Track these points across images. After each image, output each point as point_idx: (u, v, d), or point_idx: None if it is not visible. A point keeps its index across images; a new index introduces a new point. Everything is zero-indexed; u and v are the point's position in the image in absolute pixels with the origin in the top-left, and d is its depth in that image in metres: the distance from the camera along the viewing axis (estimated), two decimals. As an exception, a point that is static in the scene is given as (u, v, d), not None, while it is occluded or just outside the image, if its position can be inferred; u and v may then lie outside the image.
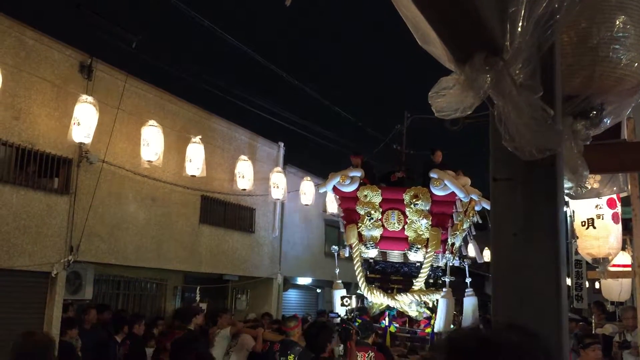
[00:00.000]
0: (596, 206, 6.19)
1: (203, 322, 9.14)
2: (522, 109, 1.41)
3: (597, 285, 15.11)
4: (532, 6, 1.38)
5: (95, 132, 8.53)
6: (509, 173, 1.75)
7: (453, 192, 8.50)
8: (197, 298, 12.13)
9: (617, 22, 2.44)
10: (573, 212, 6.64)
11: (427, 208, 8.75)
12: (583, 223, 6.29)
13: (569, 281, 14.19)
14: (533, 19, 1.39)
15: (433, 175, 8.61)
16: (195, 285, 12.39)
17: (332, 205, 14.60)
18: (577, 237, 6.50)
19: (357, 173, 9.19)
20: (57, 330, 8.44)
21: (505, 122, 1.45)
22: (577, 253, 10.69)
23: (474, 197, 8.85)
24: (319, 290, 17.86)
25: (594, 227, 6.22)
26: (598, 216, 6.22)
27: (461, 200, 8.68)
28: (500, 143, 1.61)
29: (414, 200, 8.74)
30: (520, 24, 1.37)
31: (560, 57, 2.18)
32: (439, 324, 8.49)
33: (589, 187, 5.97)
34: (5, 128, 8.13)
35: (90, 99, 8.53)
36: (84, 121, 8.33)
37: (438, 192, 8.56)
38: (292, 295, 16.68)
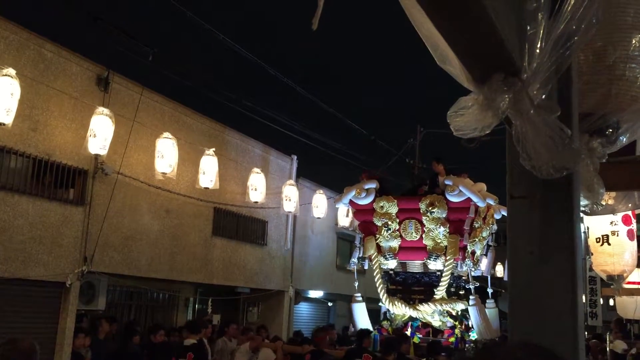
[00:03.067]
0: (611, 223, 6.14)
1: (210, 334, 9.17)
2: (540, 129, 1.42)
3: (611, 302, 14.95)
4: (550, 28, 1.40)
5: (111, 144, 8.62)
6: (526, 191, 1.77)
7: (469, 198, 8.48)
8: (209, 310, 12.15)
9: (634, 41, 2.45)
10: (587, 228, 6.60)
11: (444, 215, 8.74)
12: (598, 239, 6.24)
13: (583, 298, 14.05)
14: (551, 41, 1.41)
15: (448, 182, 8.62)
16: (207, 297, 12.41)
17: (344, 219, 14.64)
18: (592, 254, 6.46)
19: (372, 184, 9.21)
20: (70, 340, 8.49)
21: (522, 142, 1.47)
22: (591, 269, 10.61)
23: (490, 201, 8.82)
24: (330, 304, 17.81)
25: (609, 244, 6.17)
26: (613, 233, 6.17)
27: (477, 206, 8.65)
28: (517, 161, 1.62)
29: (430, 208, 8.73)
30: (538, 45, 1.39)
31: (577, 76, 2.20)
32: (478, 332, 8.42)
33: (604, 203, 5.93)
34: (23, 139, 8.23)
35: (106, 111, 8.63)
36: (100, 133, 8.43)
37: (453, 198, 8.55)
38: (303, 308, 16.63)
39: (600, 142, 2.60)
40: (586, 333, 14.98)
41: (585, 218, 6.50)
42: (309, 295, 16.37)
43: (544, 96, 1.47)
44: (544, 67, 1.40)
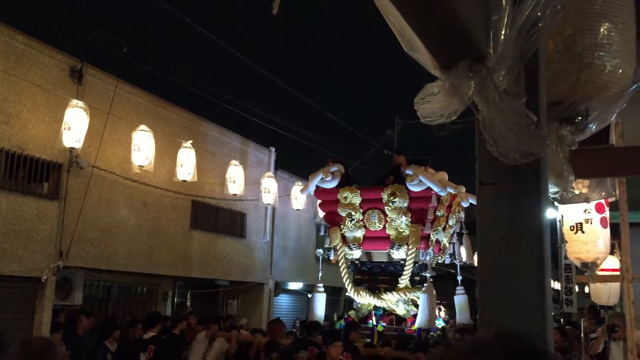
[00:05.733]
0: (585, 211, 6.23)
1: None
2: (506, 115, 1.43)
3: (587, 289, 15.22)
4: (515, 14, 1.41)
5: (86, 137, 8.51)
6: (495, 178, 1.77)
7: (429, 187, 8.59)
8: (188, 303, 12.10)
9: (602, 29, 2.48)
10: (562, 216, 6.69)
11: (405, 205, 8.86)
12: (572, 227, 6.33)
13: (558, 285, 14.27)
14: (516, 27, 1.42)
15: (408, 172, 8.71)
16: (186, 290, 12.36)
17: (323, 210, 14.63)
18: (566, 242, 6.55)
19: (337, 167, 9.30)
20: (47, 336, 8.40)
21: (489, 128, 1.48)
22: (566, 257, 10.76)
23: (451, 190, 8.93)
24: (310, 295, 17.84)
25: (583, 232, 6.26)
26: (587, 221, 6.26)
27: (439, 195, 8.76)
28: (486, 148, 1.63)
29: (391, 198, 8.84)
30: (503, 31, 1.40)
31: (546, 64, 2.22)
32: (421, 319, 8.55)
33: (578, 192, 6.04)
34: (-5, 133, 8.10)
35: (80, 103, 8.51)
36: (75, 126, 8.31)
37: (414, 188, 8.65)
38: (283, 300, 16.66)
39: (569, 130, 2.63)
40: (561, 320, 15.22)
41: (560, 206, 6.60)
42: (289, 287, 16.39)
43: (510, 82, 1.48)
44: (509, 53, 1.41)
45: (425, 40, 1.37)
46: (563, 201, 6.22)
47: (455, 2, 1.19)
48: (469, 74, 1.37)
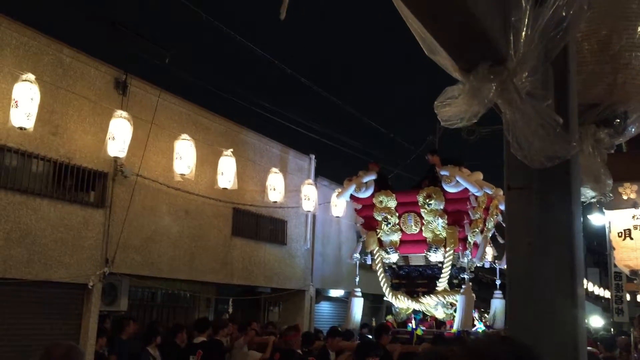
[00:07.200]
0: (633, 217, 6.05)
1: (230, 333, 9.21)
2: (530, 117, 1.40)
3: (638, 297, 14.72)
4: (536, 15, 1.38)
5: (130, 147, 8.71)
6: (523, 181, 1.74)
7: (466, 189, 8.47)
8: (230, 310, 12.21)
9: (639, 29, 2.41)
10: (609, 223, 6.50)
11: (442, 207, 8.77)
12: (619, 234, 6.16)
13: (608, 294, 13.83)
14: (538, 28, 1.39)
15: (444, 172, 8.61)
16: (227, 297, 12.47)
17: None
18: (614, 248, 6.37)
19: (371, 177, 9.28)
20: (93, 341, 8.61)
21: (513, 131, 1.45)
22: (616, 265, 10.42)
23: (488, 190, 8.78)
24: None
25: (631, 238, 6.09)
26: (635, 227, 6.08)
27: (476, 196, 8.63)
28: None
29: (427, 200, 8.76)
30: (524, 32, 1.37)
31: (580, 65, 2.16)
32: (458, 322, 8.45)
33: (626, 197, 5.85)
34: (44, 143, 8.36)
35: (124, 114, 8.72)
36: (119, 136, 8.52)
37: (450, 189, 8.54)
38: (324, 307, 16.63)
39: (607, 133, 2.56)
40: (612, 329, 14.73)
41: (607, 212, 6.41)
42: (330, 295, 16.37)
43: (533, 84, 1.45)
44: (531, 55, 1.38)
45: (443, 44, 1.36)
46: (610, 207, 6.04)
47: (471, 5, 1.17)
48: (490, 76, 1.35)
